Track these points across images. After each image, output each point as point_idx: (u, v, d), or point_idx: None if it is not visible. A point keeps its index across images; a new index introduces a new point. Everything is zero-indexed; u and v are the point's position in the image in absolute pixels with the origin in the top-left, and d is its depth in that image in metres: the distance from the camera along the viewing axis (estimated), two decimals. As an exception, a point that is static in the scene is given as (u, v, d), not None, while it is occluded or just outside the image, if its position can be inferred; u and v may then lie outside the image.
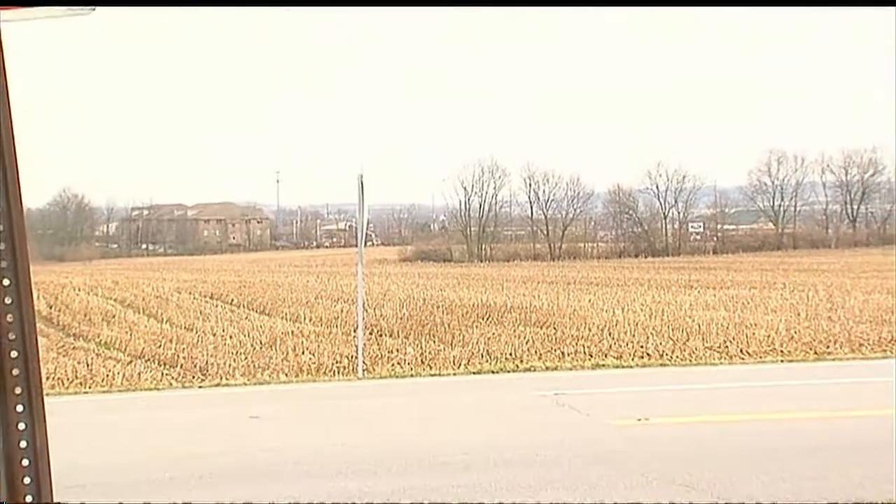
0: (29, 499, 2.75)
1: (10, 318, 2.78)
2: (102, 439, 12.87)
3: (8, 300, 2.78)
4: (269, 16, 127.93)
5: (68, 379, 20.99)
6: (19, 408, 2.77)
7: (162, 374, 22.00)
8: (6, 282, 2.76)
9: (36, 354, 2.81)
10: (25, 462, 2.74)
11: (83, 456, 10.53)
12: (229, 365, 22.45)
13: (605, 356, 21.18)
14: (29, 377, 2.79)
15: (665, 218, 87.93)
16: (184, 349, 26.18)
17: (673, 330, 25.47)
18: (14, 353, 2.78)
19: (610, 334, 25.04)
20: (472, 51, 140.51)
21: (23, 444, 2.76)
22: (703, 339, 23.66)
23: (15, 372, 2.79)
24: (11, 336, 2.78)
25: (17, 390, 2.78)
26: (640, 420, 12.57)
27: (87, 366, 23.23)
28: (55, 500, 2.84)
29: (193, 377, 21.02)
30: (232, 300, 41.89)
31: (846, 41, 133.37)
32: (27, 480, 2.76)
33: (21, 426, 2.79)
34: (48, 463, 2.78)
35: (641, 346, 22.74)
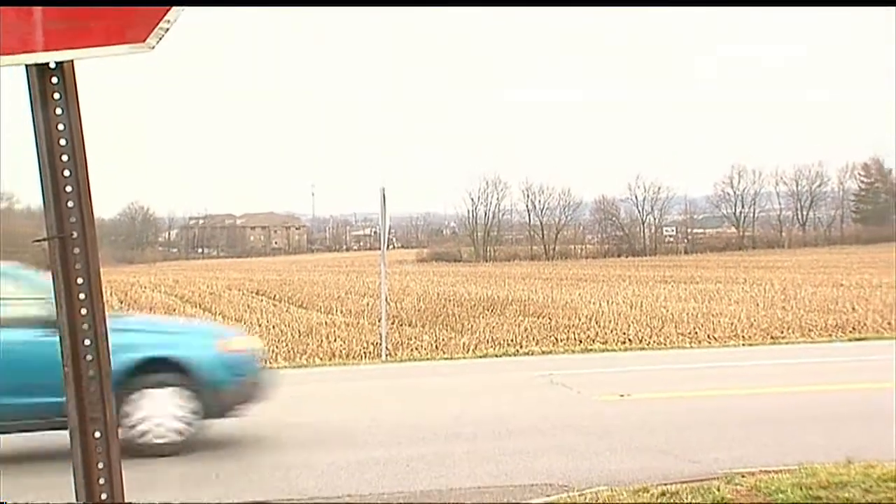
0: (102, 481, 2.75)
1: (83, 311, 2.78)
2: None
3: (82, 296, 2.78)
4: (301, 45, 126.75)
5: (136, 363, 21.04)
6: (92, 388, 2.77)
7: (215, 358, 22.04)
8: (80, 280, 2.76)
9: (106, 343, 2.81)
10: (99, 451, 2.74)
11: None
12: (272, 351, 22.45)
13: (593, 342, 21.17)
14: (100, 362, 2.79)
15: (643, 223, 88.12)
16: (234, 337, 26.20)
17: (650, 319, 25.45)
18: (87, 342, 2.78)
19: (597, 323, 25.02)
20: (480, 80, 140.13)
21: (94, 414, 2.76)
22: (675, 326, 23.63)
23: (88, 358, 2.79)
24: (85, 327, 2.78)
25: (90, 373, 2.78)
26: (622, 396, 12.55)
27: (152, 352, 23.27)
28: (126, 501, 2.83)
29: (242, 361, 21.04)
30: (274, 296, 41.96)
31: (796, 66, 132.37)
32: (101, 481, 2.75)
33: (93, 401, 2.79)
34: (118, 456, 2.77)
35: (623, 333, 22.72)
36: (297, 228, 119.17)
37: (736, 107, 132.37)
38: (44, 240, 2.76)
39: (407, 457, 9.32)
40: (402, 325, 26.28)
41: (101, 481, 2.75)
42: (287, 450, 10.17)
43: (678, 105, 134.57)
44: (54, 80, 2.72)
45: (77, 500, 2.76)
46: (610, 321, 25.32)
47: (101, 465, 2.76)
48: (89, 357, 2.81)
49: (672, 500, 6.72)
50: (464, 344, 21.59)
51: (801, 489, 6.65)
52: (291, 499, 7.95)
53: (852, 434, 9.26)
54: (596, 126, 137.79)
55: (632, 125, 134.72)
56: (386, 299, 20.84)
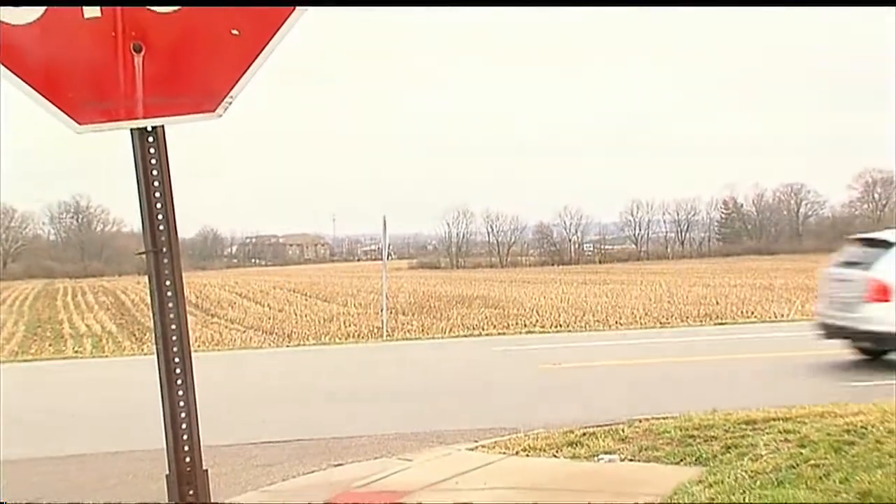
0: (185, 440, 2.71)
1: (170, 304, 2.78)
2: (228, 378, 12.80)
3: (169, 294, 2.78)
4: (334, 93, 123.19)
5: (207, 342, 20.93)
6: (176, 359, 2.77)
7: (264, 338, 21.96)
8: (167, 283, 2.77)
9: (186, 326, 2.81)
10: (184, 423, 2.71)
11: (218, 389, 10.46)
12: (304, 333, 22.40)
13: (534, 326, 21.21)
14: (182, 340, 2.79)
15: (570, 241, 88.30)
16: (277, 323, 26.12)
17: (575, 310, 25.52)
18: (173, 326, 2.78)
19: (537, 312, 25.07)
20: (451, 128, 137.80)
21: (178, 381, 2.74)
22: (593, 315, 23.71)
23: (174, 338, 2.78)
24: (171, 316, 2.78)
25: (175, 349, 2.77)
26: (555, 365, 12.56)
27: (220, 334, 23.17)
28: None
29: (283, 340, 20.98)
30: (306, 293, 41.83)
31: (681, 115, 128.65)
32: (186, 447, 2.72)
33: (178, 371, 2.78)
34: (196, 420, 2.73)
35: (556, 320, 22.78)
36: (322, 245, 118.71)
37: (636, 153, 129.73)
38: (142, 253, 2.77)
39: (401, 410, 9.31)
40: (397, 314, 26.24)
41: (186, 445, 2.73)
42: (313, 404, 10.13)
43: (592, 151, 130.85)
44: (150, 139, 2.74)
45: (169, 499, 2.72)
46: (546, 311, 25.39)
47: (182, 414, 2.73)
48: (174, 337, 2.80)
49: (590, 439, 6.73)
50: (442, 328, 21.59)
51: (680, 430, 6.68)
52: (319, 436, 7.92)
53: (714, 391, 9.32)
54: (535, 167, 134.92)
55: (560, 165, 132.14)
56: (386, 296, 20.81)
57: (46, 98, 2.66)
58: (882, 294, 10.27)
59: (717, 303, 26.14)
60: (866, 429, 6.08)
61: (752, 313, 22.21)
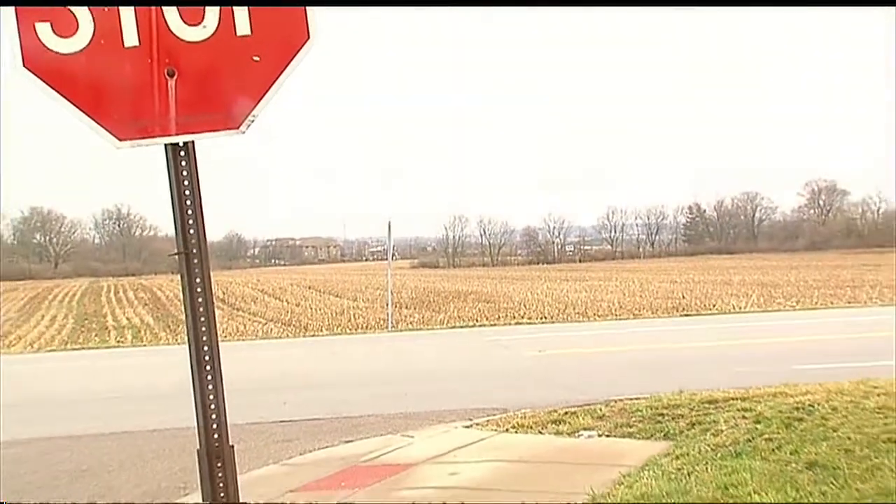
0: (215, 426, 2.71)
1: (200, 300, 2.78)
2: (251, 365, 12.78)
3: (199, 290, 2.78)
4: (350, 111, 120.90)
5: (233, 333, 20.89)
6: (205, 348, 2.77)
7: (283, 329, 21.92)
8: (198, 280, 2.77)
9: (214, 319, 2.81)
10: (212, 405, 2.71)
11: (243, 375, 10.46)
12: (318, 325, 22.36)
13: (522, 318, 21.19)
14: (210, 331, 2.79)
15: (553, 243, 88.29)
16: (294, 316, 26.07)
17: (558, 303, 25.51)
18: (203, 319, 2.78)
19: (524, 306, 25.06)
20: (445, 143, 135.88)
21: (207, 367, 2.74)
22: (573, 308, 23.70)
23: (203, 329, 2.79)
24: (201, 309, 2.78)
25: (204, 339, 2.77)
26: (540, 352, 12.57)
27: (243, 326, 23.12)
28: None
29: (300, 331, 20.95)
30: (320, 289, 41.76)
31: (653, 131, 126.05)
32: (215, 425, 2.72)
33: (207, 358, 2.78)
34: (223, 404, 2.73)
35: (541, 313, 22.76)
36: (334, 247, 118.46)
37: (608, 166, 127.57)
38: (174, 254, 2.78)
39: (400, 391, 9.31)
40: (401, 307, 26.22)
41: (215, 423, 2.72)
42: (326, 387, 10.12)
43: (575, 164, 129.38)
44: (182, 153, 2.75)
45: (200, 471, 2.72)
46: (532, 305, 25.38)
47: (211, 396, 2.73)
48: (203, 329, 2.80)
49: (571, 417, 6.74)
50: (440, 320, 21.57)
51: (651, 409, 6.70)
52: (332, 415, 7.92)
53: (681, 374, 9.31)
54: (522, 178, 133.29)
55: (544, 178, 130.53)
56: (391, 291, 20.80)
57: (91, 118, 2.69)
58: None
59: (684, 297, 26.16)
60: (813, 407, 6.11)
61: (714, 306, 22.23)
